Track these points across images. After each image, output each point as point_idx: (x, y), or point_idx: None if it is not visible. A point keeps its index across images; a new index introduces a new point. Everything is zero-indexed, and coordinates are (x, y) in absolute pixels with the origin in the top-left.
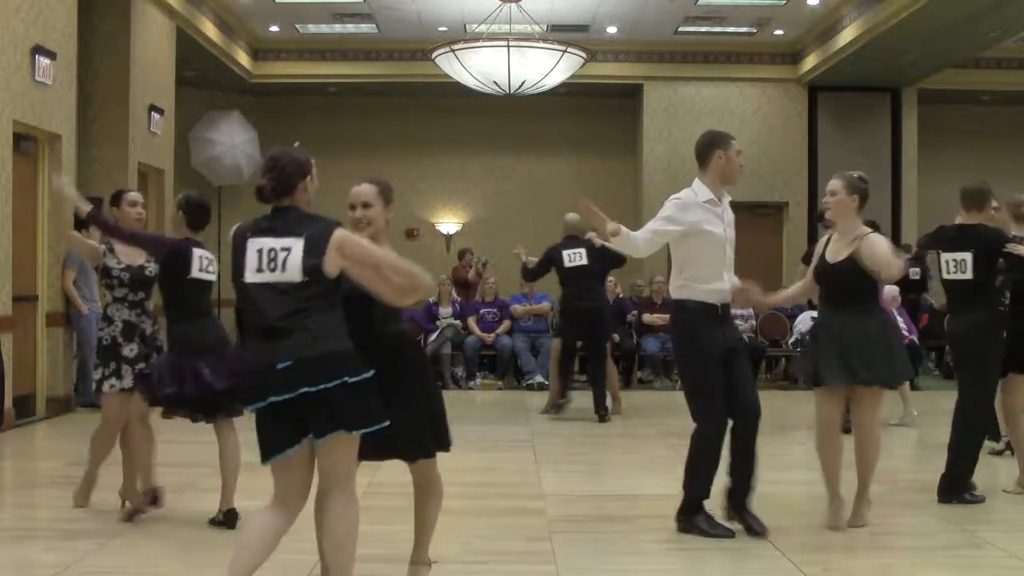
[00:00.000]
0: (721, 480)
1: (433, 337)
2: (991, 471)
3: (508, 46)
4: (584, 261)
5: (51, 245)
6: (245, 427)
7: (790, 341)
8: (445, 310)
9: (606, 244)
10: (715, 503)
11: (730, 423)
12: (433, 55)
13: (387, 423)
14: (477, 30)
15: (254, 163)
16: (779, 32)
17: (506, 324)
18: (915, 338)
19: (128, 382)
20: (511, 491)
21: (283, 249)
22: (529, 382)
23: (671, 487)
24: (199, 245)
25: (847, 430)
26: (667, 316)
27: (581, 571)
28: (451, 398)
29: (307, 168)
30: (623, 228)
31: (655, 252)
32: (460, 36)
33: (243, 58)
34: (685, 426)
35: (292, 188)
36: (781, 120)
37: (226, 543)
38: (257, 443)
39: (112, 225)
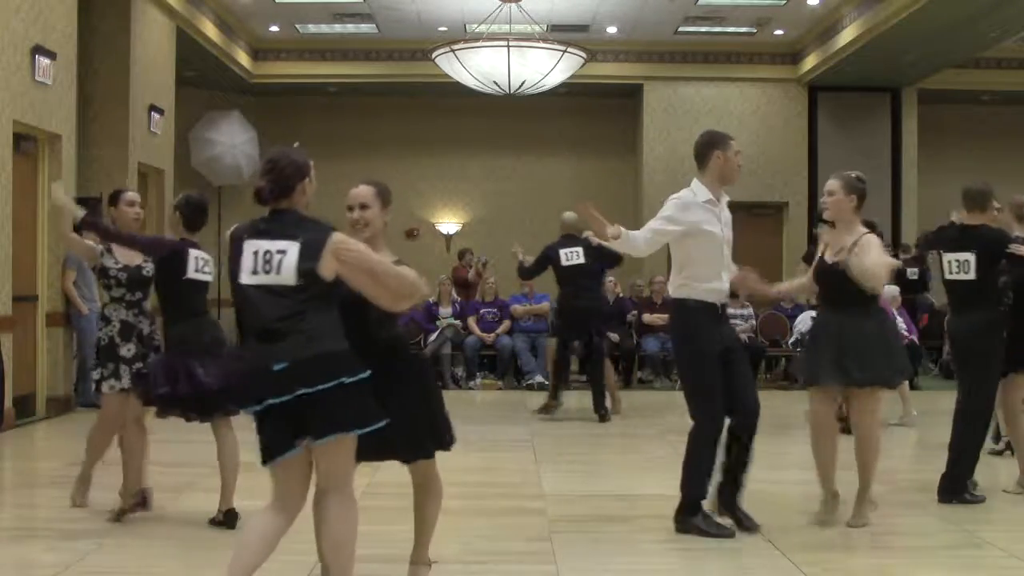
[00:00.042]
0: (713, 478)
1: (433, 337)
2: (991, 471)
3: (508, 46)
4: (581, 260)
5: (51, 245)
6: (244, 427)
7: (790, 341)
8: (445, 310)
9: (603, 243)
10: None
11: (727, 422)
12: (433, 55)
13: (385, 422)
14: (477, 30)
15: (254, 163)
16: (779, 32)
17: (506, 324)
18: (915, 338)
19: (127, 382)
20: (511, 491)
21: (279, 252)
22: (529, 382)
23: (671, 487)
24: (195, 246)
25: (848, 431)
26: (667, 316)
27: (581, 571)
28: (451, 398)
29: (305, 170)
30: (622, 229)
31: (655, 252)
32: (460, 36)
33: (243, 58)
34: (685, 426)
35: (290, 190)
36: (781, 120)
37: (226, 543)
38: (257, 444)
39: (108, 229)
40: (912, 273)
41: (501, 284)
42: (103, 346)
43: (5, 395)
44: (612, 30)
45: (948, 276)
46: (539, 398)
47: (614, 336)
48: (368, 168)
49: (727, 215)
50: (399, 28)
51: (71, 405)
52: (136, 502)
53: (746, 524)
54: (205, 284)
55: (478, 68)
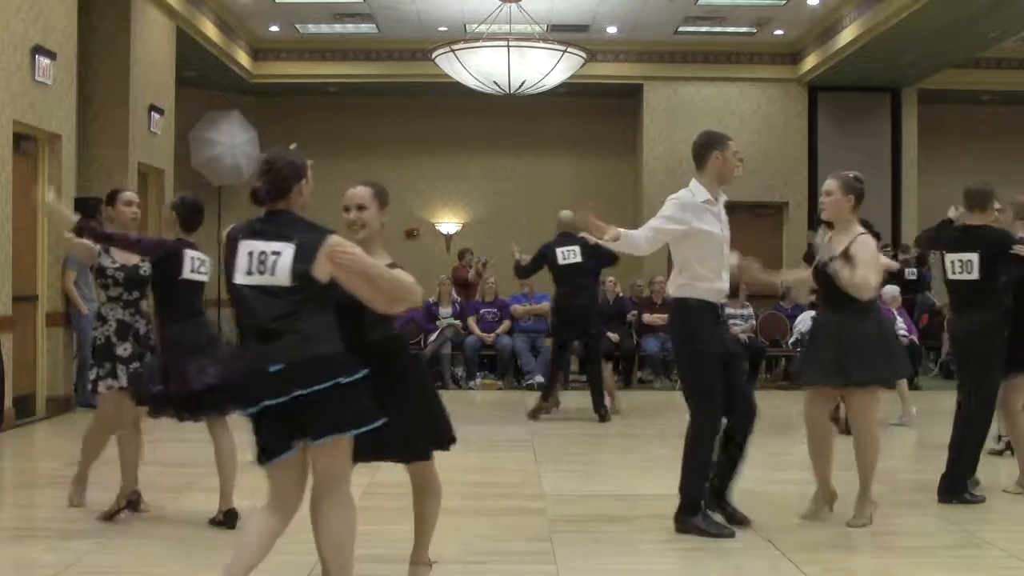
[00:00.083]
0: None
1: (433, 337)
2: (991, 471)
3: (508, 46)
4: (578, 259)
5: (51, 245)
6: (242, 428)
7: (790, 341)
8: (445, 310)
9: (600, 242)
10: None
11: (723, 422)
12: (433, 55)
13: (382, 421)
14: (477, 30)
15: (254, 163)
16: (779, 32)
17: (506, 324)
18: (915, 338)
19: (123, 381)
20: (511, 491)
21: (273, 253)
22: (529, 382)
23: (671, 487)
24: (192, 246)
25: (847, 431)
26: (667, 316)
27: (581, 571)
28: (451, 398)
29: (302, 171)
30: (621, 231)
31: (656, 253)
32: (460, 36)
33: (243, 58)
34: (685, 426)
35: (287, 191)
36: (781, 120)
37: (226, 543)
38: (253, 445)
39: (102, 233)
40: (910, 273)
41: (501, 284)
42: (99, 345)
43: (5, 395)
44: (612, 30)
45: (951, 276)
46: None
47: (614, 336)
48: (368, 168)
49: (724, 215)
50: (399, 28)
51: (71, 405)
52: (123, 505)
53: (736, 517)
54: (201, 284)
55: (478, 68)
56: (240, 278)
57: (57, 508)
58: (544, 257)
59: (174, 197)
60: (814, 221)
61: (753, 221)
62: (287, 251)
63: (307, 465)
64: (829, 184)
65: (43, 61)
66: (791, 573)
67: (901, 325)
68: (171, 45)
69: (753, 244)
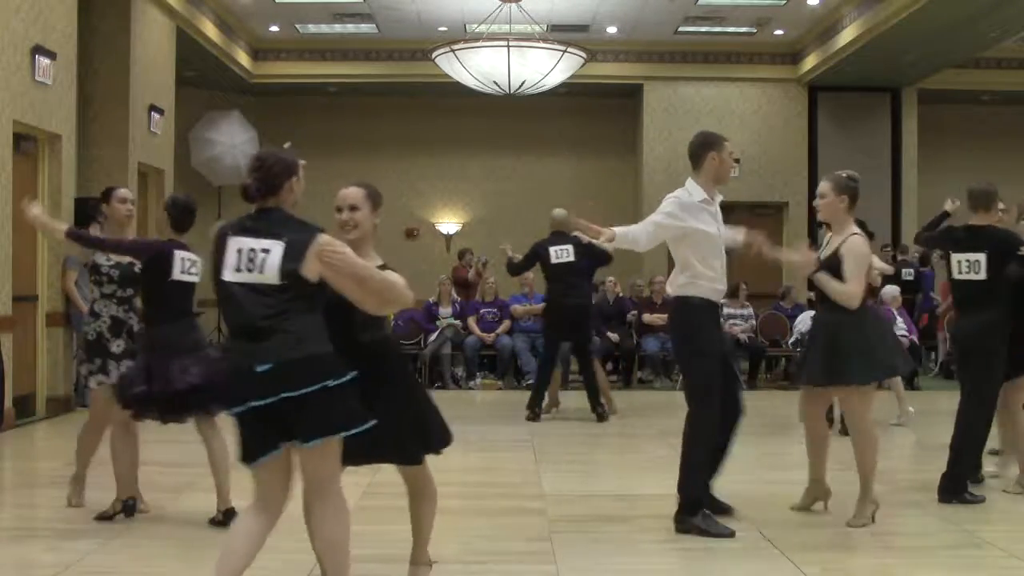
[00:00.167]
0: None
1: (433, 337)
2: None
3: (508, 46)
4: (571, 258)
5: (51, 245)
6: (231, 428)
7: (790, 341)
8: (445, 310)
9: (593, 241)
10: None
11: None
12: (433, 55)
13: (372, 424)
14: (477, 30)
15: None
16: (779, 32)
17: (506, 324)
18: (915, 338)
19: (115, 377)
20: (511, 491)
21: (263, 250)
22: (529, 382)
23: (671, 487)
24: (183, 247)
25: (846, 431)
26: (667, 316)
27: (581, 571)
28: (451, 398)
29: (293, 168)
30: (616, 230)
31: (656, 253)
32: (460, 36)
33: (243, 58)
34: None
35: (277, 188)
36: (781, 120)
37: None
38: (238, 446)
39: (93, 238)
40: (907, 274)
41: (501, 284)
42: (91, 341)
43: (5, 395)
44: (612, 30)
45: (957, 276)
46: None
47: (614, 336)
48: (368, 168)
49: (720, 215)
50: (399, 28)
51: (71, 405)
52: (119, 509)
53: (719, 507)
54: (192, 286)
55: (478, 68)
56: (229, 275)
57: (57, 508)
58: (537, 255)
59: (167, 197)
60: (815, 222)
61: (753, 221)
62: (276, 249)
63: (292, 465)
64: (822, 186)
65: (43, 61)
66: (791, 573)
67: (901, 325)
68: (171, 45)
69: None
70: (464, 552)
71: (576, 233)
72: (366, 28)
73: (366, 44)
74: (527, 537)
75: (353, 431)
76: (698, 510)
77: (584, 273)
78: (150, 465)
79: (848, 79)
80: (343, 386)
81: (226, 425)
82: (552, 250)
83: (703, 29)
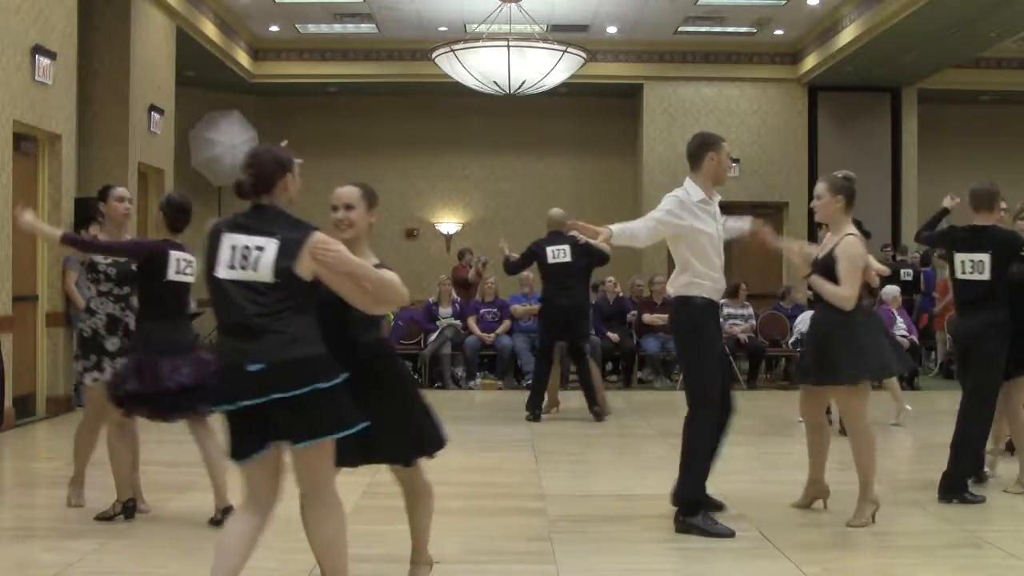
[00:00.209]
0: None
1: (433, 337)
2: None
3: (508, 46)
4: (568, 258)
5: (51, 245)
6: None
7: (790, 341)
8: (445, 310)
9: (591, 241)
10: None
11: None
12: (433, 55)
13: (365, 424)
14: (477, 30)
15: None
16: (779, 32)
17: (506, 324)
18: (915, 338)
19: (109, 375)
20: (511, 491)
21: (257, 248)
22: (529, 382)
23: (671, 487)
24: (178, 247)
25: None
26: (667, 316)
27: (581, 571)
28: (451, 398)
29: (288, 166)
30: (613, 228)
31: (656, 253)
32: (460, 36)
33: (243, 58)
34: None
35: (271, 185)
36: (781, 120)
37: None
38: (228, 443)
39: (87, 241)
40: (906, 274)
41: (501, 284)
42: (86, 338)
43: (5, 395)
44: (612, 30)
45: (960, 276)
46: None
47: (614, 336)
48: (368, 168)
49: (720, 215)
50: (399, 28)
51: (71, 405)
52: (118, 511)
53: (714, 503)
54: (187, 286)
55: (478, 68)
56: (222, 272)
57: (57, 508)
58: (534, 255)
59: (163, 197)
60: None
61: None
62: (270, 247)
63: (281, 464)
64: (818, 187)
65: (43, 61)
66: (791, 573)
67: (901, 325)
68: (171, 45)
69: (753, 243)
70: (464, 552)
71: (573, 233)
72: (366, 28)
73: (366, 44)
74: (527, 537)
75: (344, 433)
76: (698, 510)
77: (580, 274)
78: (150, 465)
79: (848, 79)
80: (335, 388)
81: (218, 425)
82: (549, 250)
83: (703, 29)
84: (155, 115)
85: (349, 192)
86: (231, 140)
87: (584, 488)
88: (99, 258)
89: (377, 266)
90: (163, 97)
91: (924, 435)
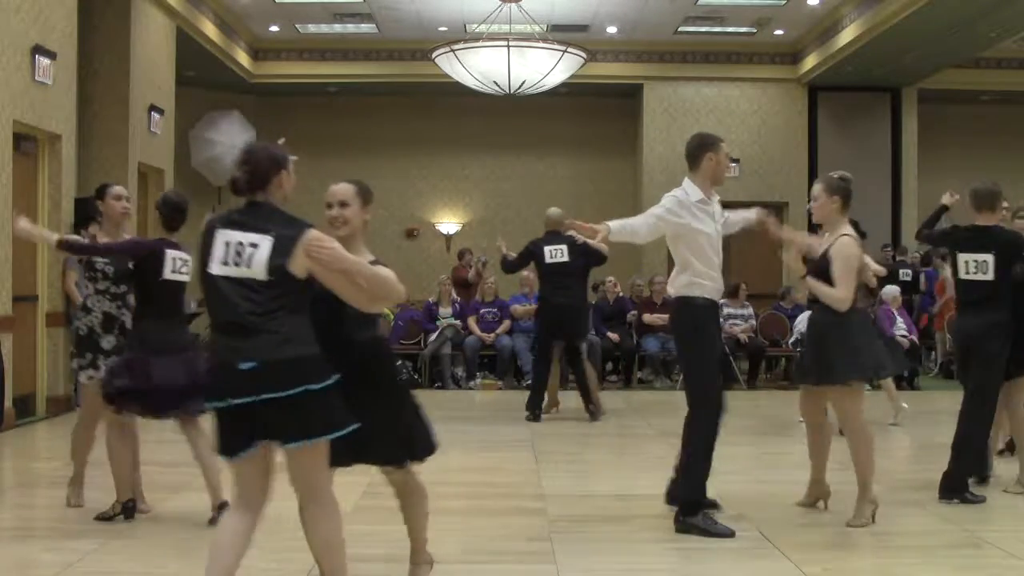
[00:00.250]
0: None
1: (433, 337)
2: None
3: (508, 46)
4: (565, 258)
5: (50, 247)
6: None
7: (790, 341)
8: (445, 310)
9: (589, 241)
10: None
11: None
12: (433, 55)
13: (356, 426)
14: (477, 30)
15: None
16: (779, 32)
17: (506, 324)
18: (915, 338)
19: (103, 373)
20: (511, 491)
21: (251, 245)
22: (529, 382)
23: (664, 487)
24: (174, 246)
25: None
26: (667, 316)
27: (581, 571)
28: (451, 398)
29: (283, 163)
30: (611, 224)
31: (656, 253)
32: (460, 36)
33: (243, 58)
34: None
35: (266, 182)
36: (781, 120)
37: None
38: (216, 440)
39: (83, 244)
40: (905, 274)
41: (501, 284)
42: (82, 336)
43: (5, 395)
44: (612, 30)
45: (964, 276)
46: None
47: (614, 336)
48: (368, 168)
49: (719, 214)
50: (399, 28)
51: (71, 405)
52: (118, 511)
53: (707, 503)
54: (182, 285)
55: (478, 68)
56: (216, 268)
57: (57, 508)
58: (531, 254)
59: (159, 196)
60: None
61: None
62: (264, 244)
63: (272, 463)
64: (814, 188)
65: (43, 61)
66: (791, 573)
67: (901, 325)
68: (171, 45)
69: (753, 243)
70: (464, 552)
71: (571, 232)
72: (366, 28)
73: (366, 44)
74: (527, 537)
75: (335, 435)
76: (698, 510)
77: (577, 273)
78: (150, 465)
79: (848, 79)
80: (326, 389)
81: (208, 424)
82: (547, 249)
83: (703, 29)
84: (155, 115)
85: (343, 189)
86: (231, 140)
87: (584, 488)
88: (96, 256)
89: (372, 263)
90: (163, 97)
91: (924, 435)
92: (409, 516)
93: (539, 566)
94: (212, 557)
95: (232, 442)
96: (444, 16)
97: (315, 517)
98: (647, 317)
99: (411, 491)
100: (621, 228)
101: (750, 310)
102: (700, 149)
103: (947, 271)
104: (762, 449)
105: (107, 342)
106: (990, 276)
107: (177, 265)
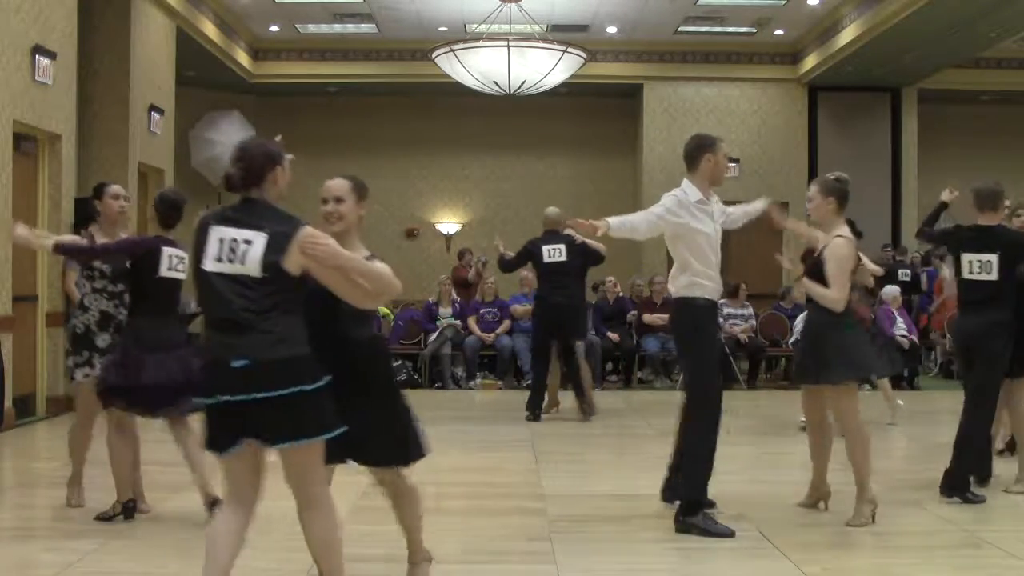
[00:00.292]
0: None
1: (433, 337)
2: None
3: (508, 46)
4: (563, 257)
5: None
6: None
7: (790, 341)
8: (445, 310)
9: (587, 241)
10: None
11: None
12: (433, 55)
13: (343, 429)
14: (477, 30)
15: None
16: (779, 32)
17: (506, 324)
18: (915, 338)
19: (99, 371)
20: (511, 491)
21: (245, 241)
22: (529, 382)
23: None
24: (171, 244)
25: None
26: (667, 316)
27: (581, 571)
28: (451, 398)
29: (277, 159)
30: (611, 220)
31: (655, 253)
32: (460, 36)
33: (243, 58)
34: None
35: (260, 179)
36: (781, 120)
37: None
38: (204, 435)
39: (81, 248)
40: (904, 275)
41: (501, 284)
42: (78, 334)
43: (5, 395)
44: (612, 30)
45: (967, 276)
46: None
47: (614, 336)
48: (368, 168)
49: (719, 213)
50: (399, 28)
51: (71, 405)
52: (118, 511)
53: (707, 503)
54: (178, 283)
55: (478, 68)
56: (210, 265)
57: (57, 508)
58: (529, 253)
59: (156, 194)
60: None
61: (753, 220)
62: (259, 241)
63: (263, 461)
64: (810, 190)
65: (43, 61)
66: (791, 573)
67: (901, 325)
68: (171, 45)
69: (753, 243)
70: (464, 552)
71: (569, 232)
72: (366, 28)
73: (366, 44)
74: (527, 537)
75: (327, 436)
76: (698, 510)
77: (575, 273)
78: (150, 465)
79: (848, 79)
80: (319, 390)
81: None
82: (545, 249)
83: (703, 29)
84: (155, 115)
85: (339, 185)
86: (231, 140)
87: (584, 488)
88: (94, 259)
89: (368, 258)
90: (163, 97)
91: (923, 435)
92: (402, 517)
93: (539, 566)
94: (208, 555)
95: (220, 438)
96: (444, 16)
97: (311, 517)
98: (647, 317)
99: (402, 493)
100: (620, 224)
101: (750, 310)
102: (698, 150)
103: (945, 271)
104: (762, 449)
105: (102, 340)
106: (994, 276)
107: (173, 263)
